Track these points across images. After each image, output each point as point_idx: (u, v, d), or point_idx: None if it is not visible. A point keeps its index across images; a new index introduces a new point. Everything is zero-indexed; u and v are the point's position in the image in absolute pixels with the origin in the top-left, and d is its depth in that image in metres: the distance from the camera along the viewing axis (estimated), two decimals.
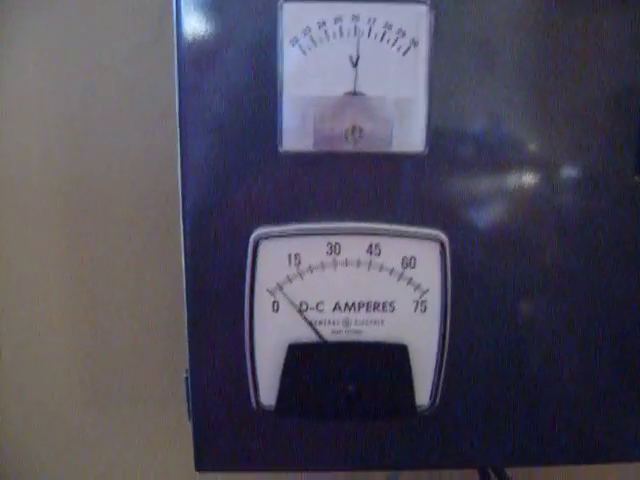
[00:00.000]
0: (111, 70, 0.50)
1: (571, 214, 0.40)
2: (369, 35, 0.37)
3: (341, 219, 0.39)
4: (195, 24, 0.37)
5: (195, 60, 0.37)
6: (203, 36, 0.37)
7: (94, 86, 0.51)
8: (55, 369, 0.55)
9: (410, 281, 0.40)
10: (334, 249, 0.39)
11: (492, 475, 0.49)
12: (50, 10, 0.50)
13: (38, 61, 0.51)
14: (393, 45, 0.37)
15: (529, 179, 0.40)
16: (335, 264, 0.39)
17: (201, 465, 0.43)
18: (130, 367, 0.55)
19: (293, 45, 0.37)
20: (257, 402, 0.41)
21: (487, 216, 0.40)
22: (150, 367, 0.55)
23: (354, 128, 0.38)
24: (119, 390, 0.56)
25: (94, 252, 0.53)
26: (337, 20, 0.37)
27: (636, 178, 0.40)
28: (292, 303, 0.40)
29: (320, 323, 0.40)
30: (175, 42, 0.37)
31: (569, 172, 0.40)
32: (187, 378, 0.42)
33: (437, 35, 0.37)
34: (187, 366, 0.42)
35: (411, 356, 0.40)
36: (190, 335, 0.41)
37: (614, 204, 0.40)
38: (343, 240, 0.39)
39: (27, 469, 0.58)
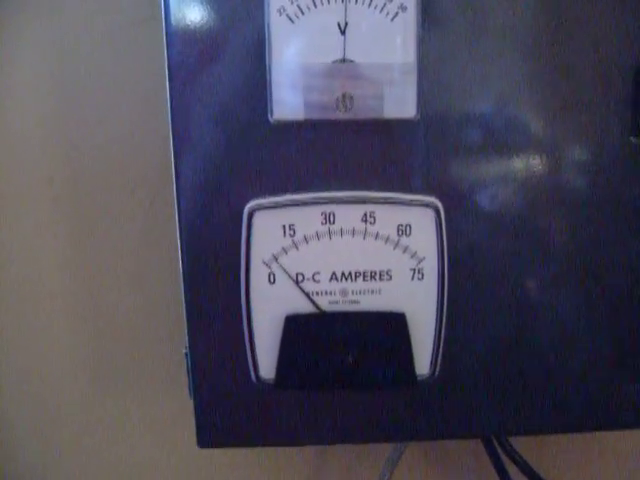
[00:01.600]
0: (105, 46, 0.50)
1: (568, 181, 0.40)
2: (357, 1, 0.37)
3: (335, 188, 0.39)
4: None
5: (183, 34, 0.37)
6: (191, 9, 0.37)
7: (88, 61, 0.51)
8: (57, 349, 0.55)
9: (406, 249, 0.40)
10: (328, 219, 0.39)
11: (497, 445, 0.49)
12: None
13: (31, 35, 0.51)
14: (381, 11, 0.37)
15: (524, 145, 0.39)
16: (330, 234, 0.39)
17: (203, 441, 0.43)
18: (133, 346, 0.55)
19: (280, 14, 0.37)
20: (257, 376, 0.41)
21: (481, 182, 0.40)
22: (154, 345, 0.55)
23: (345, 95, 0.38)
24: (122, 369, 0.56)
25: (93, 231, 0.53)
26: None
27: (632, 139, 0.39)
28: (288, 274, 0.40)
29: (317, 294, 0.40)
30: (163, 17, 0.37)
31: (564, 137, 0.40)
32: (187, 354, 0.42)
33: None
34: (185, 342, 0.42)
35: (410, 325, 0.40)
36: (188, 311, 0.41)
37: (611, 168, 0.40)
38: (337, 209, 0.39)
39: (30, 450, 0.58)
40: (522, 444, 0.50)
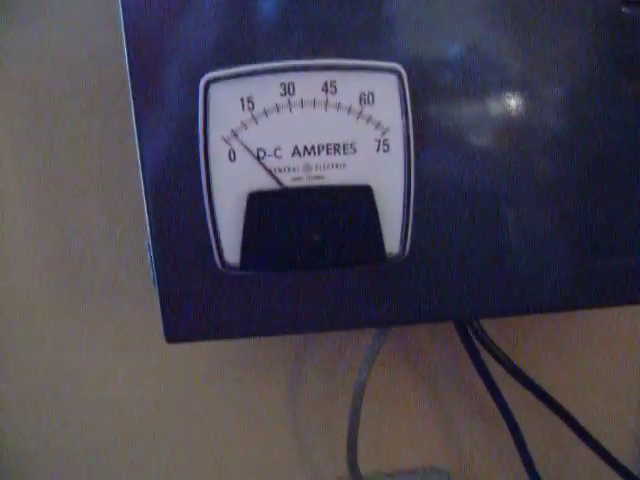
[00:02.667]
0: None
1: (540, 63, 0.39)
2: None
3: (294, 57, 0.37)
4: None
5: None
6: None
7: None
8: (21, 267, 0.53)
9: (370, 119, 0.38)
10: (288, 89, 0.38)
11: (468, 329, 0.48)
12: None
13: None
14: None
15: (496, 20, 0.38)
16: (290, 105, 0.38)
17: (171, 336, 0.42)
18: (97, 256, 0.54)
19: None
20: (222, 261, 0.40)
21: (448, 48, 0.38)
22: (119, 254, 0.54)
23: None
24: (89, 283, 0.54)
25: (50, 134, 0.51)
26: None
27: (623, 9, 0.38)
28: (249, 150, 0.38)
29: (280, 170, 0.39)
30: None
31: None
32: (149, 246, 0.41)
33: None
34: (147, 233, 0.40)
35: (377, 199, 0.39)
36: (147, 199, 0.39)
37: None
38: (297, 79, 0.37)
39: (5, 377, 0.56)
40: (496, 335, 0.50)
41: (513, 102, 0.39)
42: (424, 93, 0.39)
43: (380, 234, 0.39)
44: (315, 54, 0.38)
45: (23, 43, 0.50)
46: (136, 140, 0.39)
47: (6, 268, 0.54)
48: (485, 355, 0.50)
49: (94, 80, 0.51)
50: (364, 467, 0.54)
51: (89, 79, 0.51)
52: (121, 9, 0.37)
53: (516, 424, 0.53)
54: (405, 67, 0.38)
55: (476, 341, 0.50)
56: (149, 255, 0.41)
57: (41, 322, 0.55)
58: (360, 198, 0.39)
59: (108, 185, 0.53)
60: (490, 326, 0.49)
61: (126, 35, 0.37)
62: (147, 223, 0.40)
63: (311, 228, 0.39)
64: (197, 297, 0.41)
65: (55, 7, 0.50)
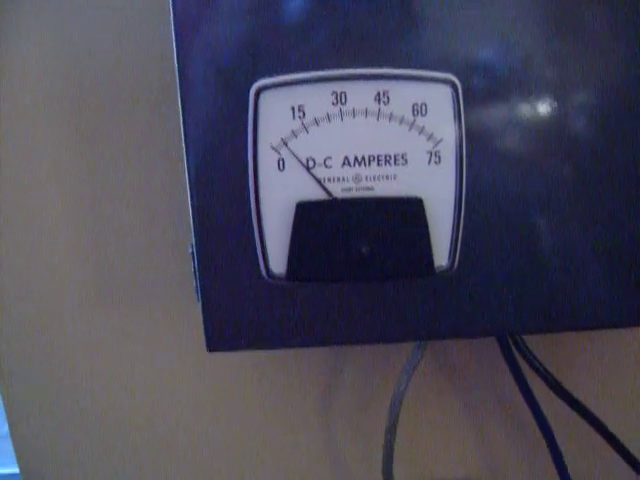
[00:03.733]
0: None
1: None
2: None
3: (346, 65, 0.37)
4: None
5: None
6: None
7: None
8: (57, 264, 0.53)
9: (422, 130, 0.37)
10: (340, 98, 0.37)
11: (511, 345, 0.47)
12: None
13: None
14: None
15: (550, 21, 0.37)
16: (342, 115, 0.37)
17: (213, 345, 0.42)
18: (137, 259, 0.53)
19: None
20: (267, 271, 0.39)
21: (502, 59, 0.37)
22: (159, 258, 0.53)
23: None
24: (127, 283, 0.54)
25: (95, 137, 0.51)
26: None
27: None
28: (298, 160, 0.38)
29: (329, 180, 0.38)
30: None
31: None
32: (192, 253, 0.40)
33: None
34: (191, 240, 0.40)
35: (427, 212, 0.38)
36: (193, 205, 0.39)
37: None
38: (349, 88, 0.37)
39: (33, 369, 0.56)
40: (538, 350, 0.49)
41: (567, 114, 0.38)
42: (478, 104, 0.38)
43: (429, 247, 0.39)
44: (368, 63, 0.37)
45: (66, 58, 0.50)
46: (183, 146, 0.38)
47: (47, 273, 0.54)
48: (524, 368, 0.49)
49: (138, 88, 0.50)
50: (398, 478, 0.53)
51: (134, 86, 0.50)
52: (172, 15, 0.36)
53: (554, 439, 0.52)
54: (459, 78, 0.37)
55: (518, 355, 0.49)
56: (193, 262, 0.41)
57: (80, 326, 0.55)
58: (410, 210, 0.38)
59: (150, 190, 0.52)
60: (529, 339, 0.48)
61: (176, 42, 0.37)
62: (192, 230, 0.40)
63: (359, 240, 0.38)
64: (240, 306, 0.41)
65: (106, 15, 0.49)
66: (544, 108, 0.38)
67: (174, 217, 0.52)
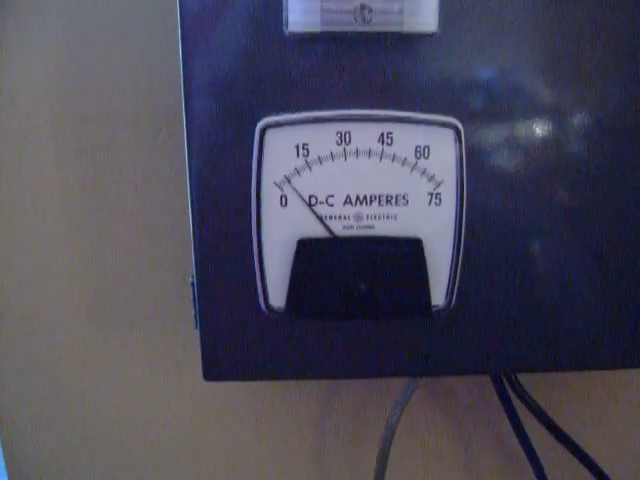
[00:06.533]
0: None
1: (589, 108, 0.38)
2: None
3: (352, 106, 0.37)
4: None
5: None
6: None
7: None
8: (57, 284, 0.53)
9: (424, 172, 0.38)
10: (344, 138, 0.37)
11: (507, 386, 0.48)
12: None
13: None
14: None
15: (550, 65, 0.38)
16: (345, 154, 0.38)
17: (210, 374, 0.42)
18: (137, 282, 0.54)
19: None
20: (266, 304, 0.40)
21: (504, 103, 0.38)
22: (158, 282, 0.54)
23: (363, 6, 0.36)
24: (125, 306, 0.54)
25: (96, 159, 0.51)
26: None
27: None
28: (301, 197, 0.38)
29: (330, 218, 0.38)
30: None
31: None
32: (192, 283, 0.41)
33: None
34: (192, 269, 0.40)
35: (426, 251, 0.39)
36: (195, 235, 0.40)
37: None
38: (354, 128, 0.37)
39: (27, 391, 0.56)
40: (531, 387, 0.49)
41: (570, 157, 0.39)
42: (480, 147, 0.38)
43: (427, 287, 0.39)
44: (373, 104, 0.37)
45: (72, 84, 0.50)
46: (187, 176, 0.39)
47: (46, 293, 0.54)
48: (516, 404, 0.50)
49: (143, 115, 0.51)
50: None
51: (139, 113, 0.51)
52: (181, 51, 0.37)
53: (544, 475, 0.52)
54: (462, 121, 0.38)
55: (511, 393, 0.49)
56: (192, 292, 0.41)
57: (77, 346, 0.56)
58: (409, 250, 0.38)
59: (152, 214, 0.53)
60: (523, 377, 0.49)
61: (184, 75, 0.37)
62: (193, 260, 0.40)
63: (359, 278, 0.39)
64: (238, 338, 0.41)
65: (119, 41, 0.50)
66: (546, 152, 0.39)
67: (175, 241, 0.53)
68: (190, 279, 0.41)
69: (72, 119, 0.51)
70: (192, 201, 0.39)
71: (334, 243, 0.38)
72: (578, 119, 0.39)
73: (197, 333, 0.42)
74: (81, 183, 0.52)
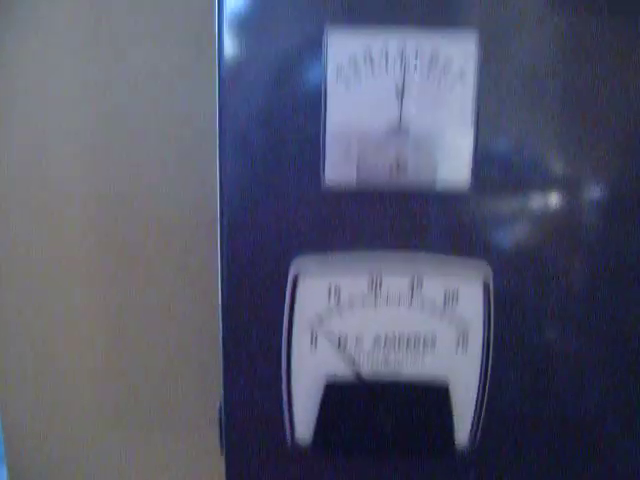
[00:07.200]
0: (149, 89, 0.50)
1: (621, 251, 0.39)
2: (415, 67, 0.36)
3: (383, 253, 0.38)
4: (237, 46, 0.36)
5: (236, 86, 0.37)
6: (245, 61, 0.36)
7: (131, 108, 0.51)
8: (82, 389, 0.54)
9: (452, 316, 0.39)
10: (375, 283, 0.38)
11: None
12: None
13: (74, 74, 0.50)
14: (439, 79, 0.37)
15: (578, 214, 0.39)
16: (376, 299, 0.39)
17: None
18: (161, 391, 0.54)
19: (338, 75, 0.36)
20: (292, 438, 0.40)
21: (532, 251, 0.39)
22: (181, 393, 0.54)
23: (398, 162, 0.37)
24: (148, 414, 0.55)
25: (128, 273, 0.53)
26: (383, 52, 0.36)
27: None
28: (331, 338, 0.39)
29: (359, 359, 0.39)
30: (217, 66, 0.37)
31: (617, 204, 0.39)
32: (220, 408, 0.42)
33: (484, 67, 0.37)
34: (220, 395, 0.41)
35: (451, 394, 0.39)
36: (225, 366, 0.40)
37: None
38: (385, 274, 0.38)
39: None
40: None
41: (599, 287, 0.40)
42: (507, 292, 0.39)
43: (452, 429, 0.40)
44: (404, 249, 0.38)
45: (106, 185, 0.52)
46: (220, 308, 0.40)
47: (72, 393, 0.55)
48: None
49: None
50: None
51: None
52: (219, 195, 0.38)
53: None
54: (491, 268, 0.38)
55: None
56: (218, 416, 0.42)
57: (99, 446, 0.56)
58: (436, 394, 0.39)
59: (179, 321, 0.54)
60: None
61: (221, 218, 0.38)
62: (222, 388, 0.41)
63: (385, 418, 0.39)
64: (262, 467, 0.42)
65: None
66: (573, 294, 0.40)
67: (202, 351, 0.54)
68: (218, 404, 0.42)
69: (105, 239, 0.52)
70: (224, 331, 0.40)
71: (362, 386, 0.39)
72: (609, 255, 0.40)
73: (222, 455, 0.42)
74: (112, 292, 0.53)
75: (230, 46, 0.36)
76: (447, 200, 0.38)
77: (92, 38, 0.50)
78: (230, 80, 0.37)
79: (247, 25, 0.36)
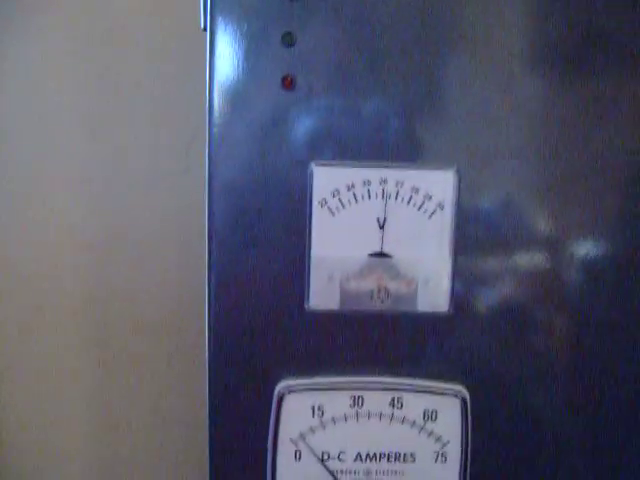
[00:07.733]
0: (141, 202, 0.51)
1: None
2: (396, 198, 0.38)
3: (365, 373, 0.40)
4: (226, 176, 0.38)
5: (226, 217, 0.38)
6: (234, 197, 0.38)
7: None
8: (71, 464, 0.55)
9: (431, 433, 0.40)
10: (357, 402, 0.40)
11: None
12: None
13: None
14: (419, 208, 0.38)
15: (554, 336, 0.40)
16: (358, 416, 0.40)
17: None
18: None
19: (322, 206, 0.38)
20: None
21: (510, 371, 0.41)
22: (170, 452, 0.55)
23: (380, 288, 0.39)
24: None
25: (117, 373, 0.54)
26: (365, 183, 0.38)
27: None
28: (314, 453, 0.40)
29: (341, 473, 0.41)
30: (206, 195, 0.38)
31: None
32: None
33: (461, 199, 0.38)
34: None
35: None
36: (211, 466, 0.42)
37: None
38: (366, 393, 0.40)
39: None
40: None
41: (581, 409, 0.41)
42: (484, 410, 0.41)
43: None
44: (385, 372, 0.40)
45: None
46: (207, 424, 0.41)
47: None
48: None
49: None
50: None
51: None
52: (207, 309, 0.40)
53: None
54: (468, 388, 0.40)
55: None
56: None
57: None
58: None
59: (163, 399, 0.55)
60: None
61: (209, 341, 0.40)
62: None
63: None
64: None
65: None
66: (547, 409, 0.41)
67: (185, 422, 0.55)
68: None
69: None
70: (210, 447, 0.41)
71: None
72: (584, 376, 0.41)
73: None
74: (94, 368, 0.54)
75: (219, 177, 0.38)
76: (427, 324, 0.39)
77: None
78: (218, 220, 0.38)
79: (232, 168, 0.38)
